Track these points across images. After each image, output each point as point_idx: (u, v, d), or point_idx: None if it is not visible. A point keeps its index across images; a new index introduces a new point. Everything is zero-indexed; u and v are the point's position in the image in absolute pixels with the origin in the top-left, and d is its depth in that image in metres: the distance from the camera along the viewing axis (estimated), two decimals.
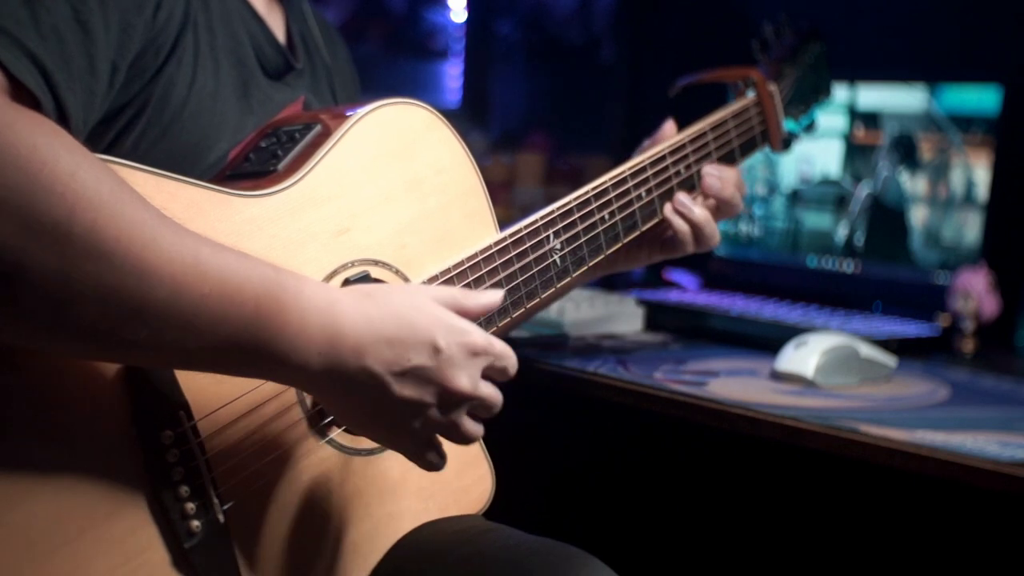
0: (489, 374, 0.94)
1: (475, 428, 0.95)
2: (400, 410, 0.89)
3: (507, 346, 0.95)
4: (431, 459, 0.95)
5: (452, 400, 0.91)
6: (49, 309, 0.76)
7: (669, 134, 1.35)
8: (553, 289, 1.15)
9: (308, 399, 0.97)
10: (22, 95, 0.80)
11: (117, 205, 0.77)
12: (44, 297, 0.75)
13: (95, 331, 0.78)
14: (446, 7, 2.80)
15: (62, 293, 0.75)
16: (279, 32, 1.13)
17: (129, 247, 0.76)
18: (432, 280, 1.05)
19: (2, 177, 0.72)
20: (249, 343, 0.82)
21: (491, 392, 0.94)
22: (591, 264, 1.20)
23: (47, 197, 0.74)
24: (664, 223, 1.32)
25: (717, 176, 1.34)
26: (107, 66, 0.88)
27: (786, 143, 1.50)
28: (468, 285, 1.07)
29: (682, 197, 1.32)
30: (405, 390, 0.88)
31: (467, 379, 0.91)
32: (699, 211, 1.32)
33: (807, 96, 1.53)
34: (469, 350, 0.91)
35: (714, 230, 1.34)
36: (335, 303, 0.87)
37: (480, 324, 1.09)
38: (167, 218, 0.80)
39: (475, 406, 0.94)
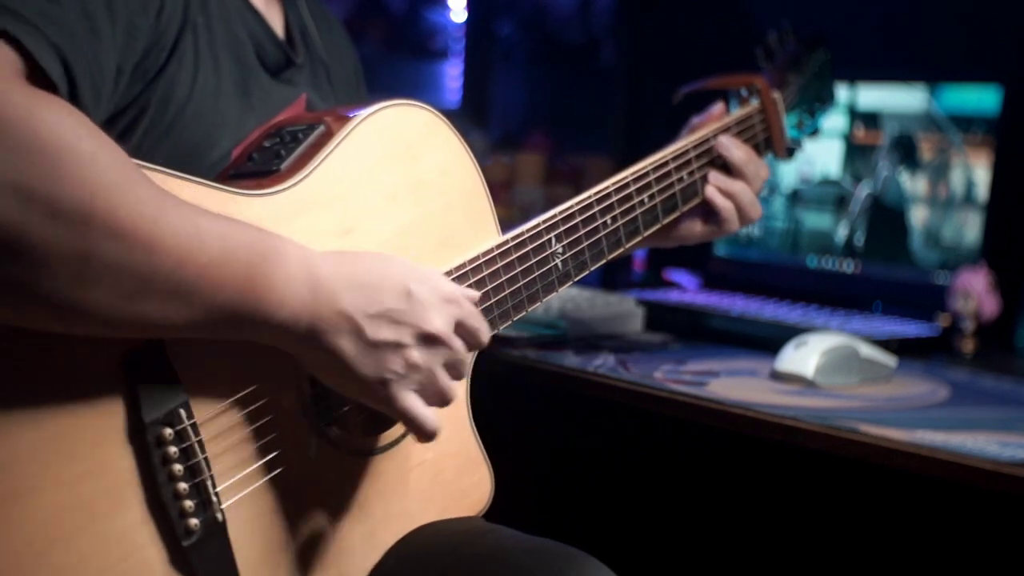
0: (460, 332, 0.96)
1: (452, 384, 0.96)
2: (378, 355, 0.91)
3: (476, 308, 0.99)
4: (420, 412, 0.94)
5: (428, 340, 0.93)
6: (66, 290, 0.77)
7: (718, 115, 1.42)
8: (555, 292, 1.15)
9: (308, 396, 0.98)
10: (37, 81, 0.81)
11: (130, 185, 0.79)
12: (63, 278, 0.77)
13: (106, 308, 0.79)
14: (446, 7, 2.80)
15: (81, 274, 0.77)
16: (278, 27, 1.13)
17: (141, 224, 0.79)
18: None
19: (27, 163, 0.74)
20: (245, 304, 0.85)
21: (462, 347, 0.96)
22: (593, 268, 1.20)
23: (71, 182, 0.76)
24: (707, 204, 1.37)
25: (730, 140, 1.38)
26: (112, 67, 0.89)
27: (790, 151, 1.49)
28: (470, 288, 1.07)
29: (716, 172, 1.37)
30: (380, 332, 0.90)
31: (441, 321, 0.93)
32: (738, 184, 1.37)
33: (811, 103, 1.52)
34: (441, 295, 0.94)
35: (753, 199, 1.38)
36: (311, 254, 0.90)
37: None
38: (166, 192, 0.83)
39: (449, 360, 0.95)
